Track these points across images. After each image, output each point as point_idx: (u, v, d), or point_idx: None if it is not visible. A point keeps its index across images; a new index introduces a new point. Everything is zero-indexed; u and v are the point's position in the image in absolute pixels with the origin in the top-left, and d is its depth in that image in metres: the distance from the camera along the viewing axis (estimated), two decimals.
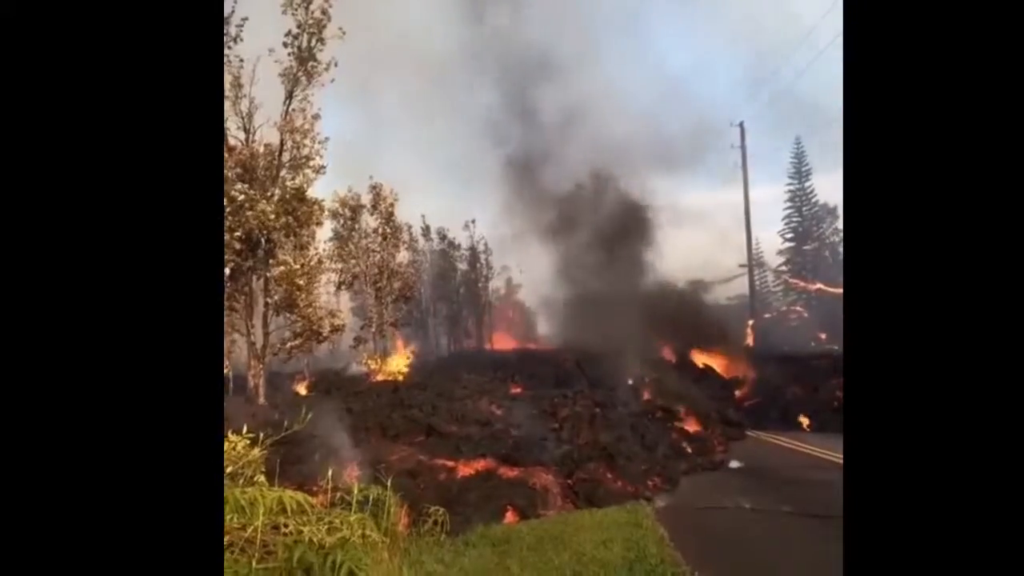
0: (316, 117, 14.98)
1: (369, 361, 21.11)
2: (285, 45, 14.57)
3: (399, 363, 21.92)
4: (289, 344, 15.19)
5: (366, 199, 22.85)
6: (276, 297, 14.62)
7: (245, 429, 5.55)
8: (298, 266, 14.44)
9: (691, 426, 14.38)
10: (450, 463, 9.80)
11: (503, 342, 44.23)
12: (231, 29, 13.62)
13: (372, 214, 22.83)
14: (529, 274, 42.76)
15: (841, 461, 11.06)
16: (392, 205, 22.72)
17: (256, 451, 5.36)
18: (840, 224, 40.19)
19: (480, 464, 9.84)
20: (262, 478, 5.16)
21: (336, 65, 14.91)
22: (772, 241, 44.27)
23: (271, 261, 14.60)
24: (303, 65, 14.56)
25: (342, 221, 22.59)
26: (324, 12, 14.33)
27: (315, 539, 4.30)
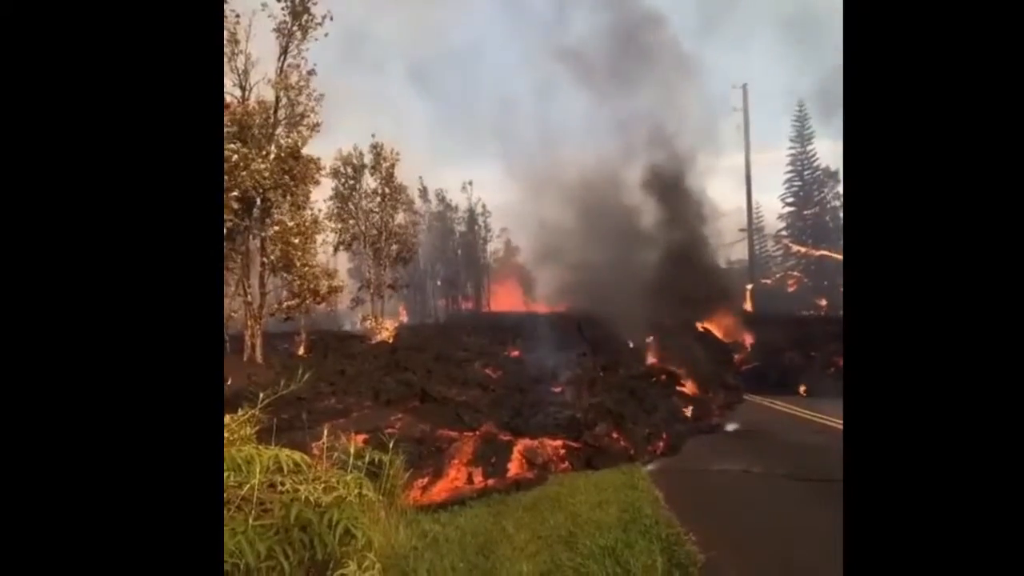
0: (311, 73, 14.73)
1: (368, 322, 21.11)
2: None
3: (390, 326, 21.78)
4: (286, 304, 15.18)
5: (368, 159, 22.53)
6: (273, 257, 14.54)
7: (239, 411, 5.44)
8: (294, 224, 14.34)
9: (690, 389, 14.43)
10: (452, 432, 9.52)
11: (502, 304, 44.32)
12: None
13: (373, 174, 22.53)
14: (529, 236, 42.62)
15: (836, 425, 11.15)
16: (392, 165, 22.42)
17: (248, 427, 5.28)
18: (841, 189, 40.00)
19: (480, 431, 9.60)
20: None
21: (331, 19, 14.61)
22: (773, 205, 44.18)
23: (267, 220, 14.50)
24: (297, 19, 14.27)
25: (343, 180, 22.26)
26: None
27: (311, 498, 4.28)
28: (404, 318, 34.54)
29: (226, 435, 4.99)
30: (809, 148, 42.24)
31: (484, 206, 45.44)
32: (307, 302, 15.19)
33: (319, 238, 16.82)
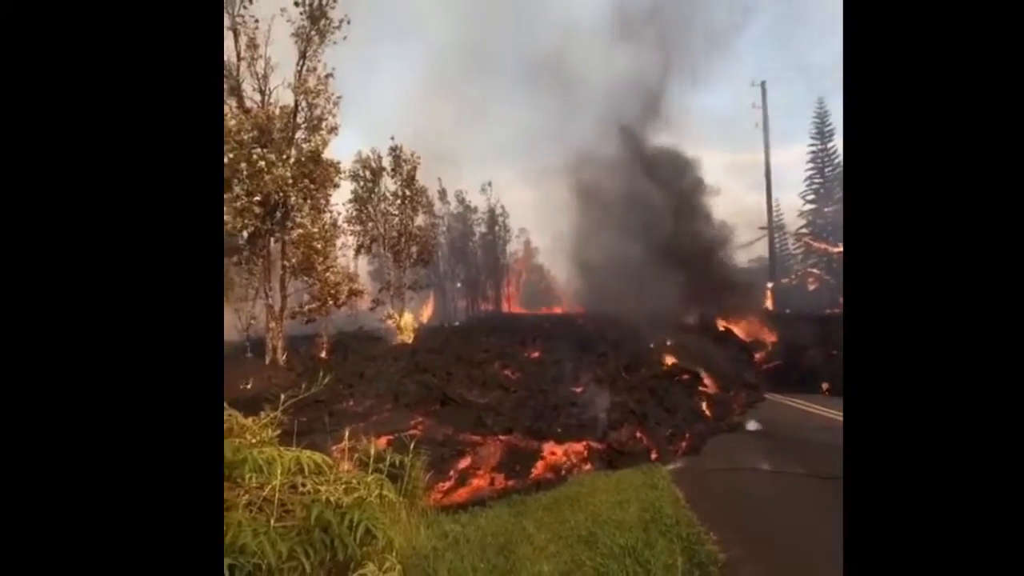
0: (329, 76, 14.84)
1: (388, 322, 21.11)
2: (297, 4, 14.37)
3: (408, 328, 21.61)
4: (307, 307, 15.29)
5: (387, 161, 22.37)
6: (294, 260, 14.68)
7: (261, 414, 5.45)
8: (315, 229, 14.46)
9: (710, 389, 14.32)
10: (474, 436, 9.36)
11: (522, 305, 44.28)
12: None
13: (393, 176, 22.41)
14: (548, 237, 42.58)
15: None
16: (414, 168, 22.33)
17: (270, 429, 5.32)
18: None
19: (504, 440, 9.39)
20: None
21: (348, 22, 14.72)
22: (793, 203, 43.77)
23: (288, 224, 14.64)
24: (315, 24, 14.39)
25: (362, 183, 22.14)
26: None
27: (332, 498, 4.32)
28: (424, 319, 34.51)
29: (248, 437, 5.05)
30: (830, 145, 41.75)
31: (503, 207, 45.37)
32: (328, 304, 15.29)
33: (339, 241, 16.88)
